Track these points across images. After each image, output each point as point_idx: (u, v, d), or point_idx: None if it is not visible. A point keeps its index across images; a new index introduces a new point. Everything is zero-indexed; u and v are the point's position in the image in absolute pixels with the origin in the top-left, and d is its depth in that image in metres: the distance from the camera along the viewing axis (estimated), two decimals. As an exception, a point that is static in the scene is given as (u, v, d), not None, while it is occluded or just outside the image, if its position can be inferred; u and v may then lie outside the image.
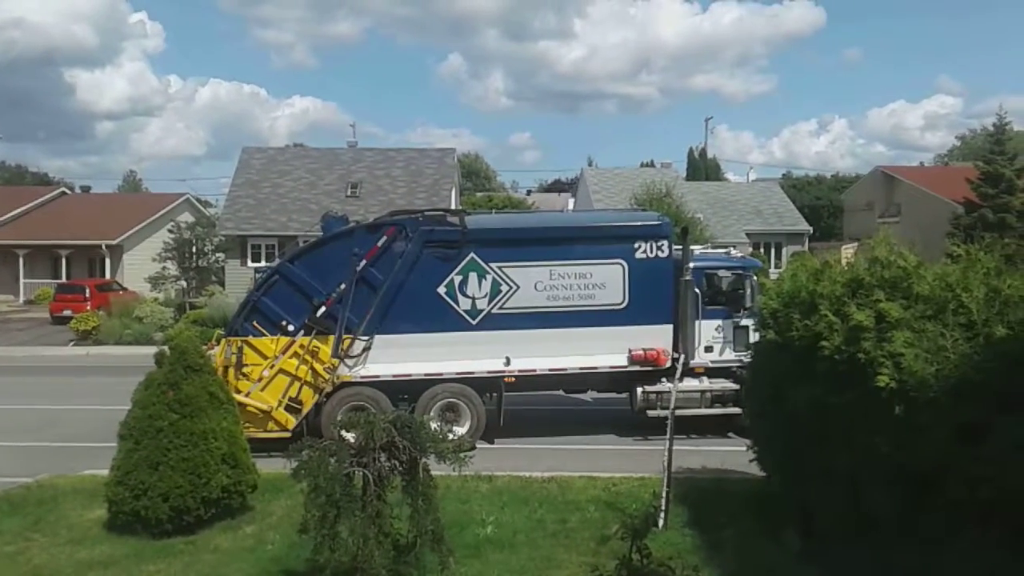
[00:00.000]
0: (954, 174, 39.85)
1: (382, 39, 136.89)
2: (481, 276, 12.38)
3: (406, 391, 12.41)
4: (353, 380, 12.18)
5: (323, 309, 12.03)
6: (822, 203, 52.90)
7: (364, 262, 12.08)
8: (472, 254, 12.39)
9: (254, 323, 12.11)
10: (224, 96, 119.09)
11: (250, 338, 12.03)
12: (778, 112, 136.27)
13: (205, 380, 8.45)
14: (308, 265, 12.25)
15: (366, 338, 12.10)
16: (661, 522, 8.13)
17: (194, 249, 34.93)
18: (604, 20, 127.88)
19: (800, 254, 29.94)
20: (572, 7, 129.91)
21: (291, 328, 12.06)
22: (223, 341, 12.12)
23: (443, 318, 12.28)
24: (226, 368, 11.72)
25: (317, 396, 12.10)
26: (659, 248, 12.60)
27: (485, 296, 12.39)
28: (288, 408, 12.00)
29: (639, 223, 13.37)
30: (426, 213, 12.91)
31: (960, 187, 33.89)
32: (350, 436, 6.53)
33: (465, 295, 12.37)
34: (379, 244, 12.22)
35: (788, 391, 7.29)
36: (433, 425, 11.40)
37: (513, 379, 12.51)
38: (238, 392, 11.57)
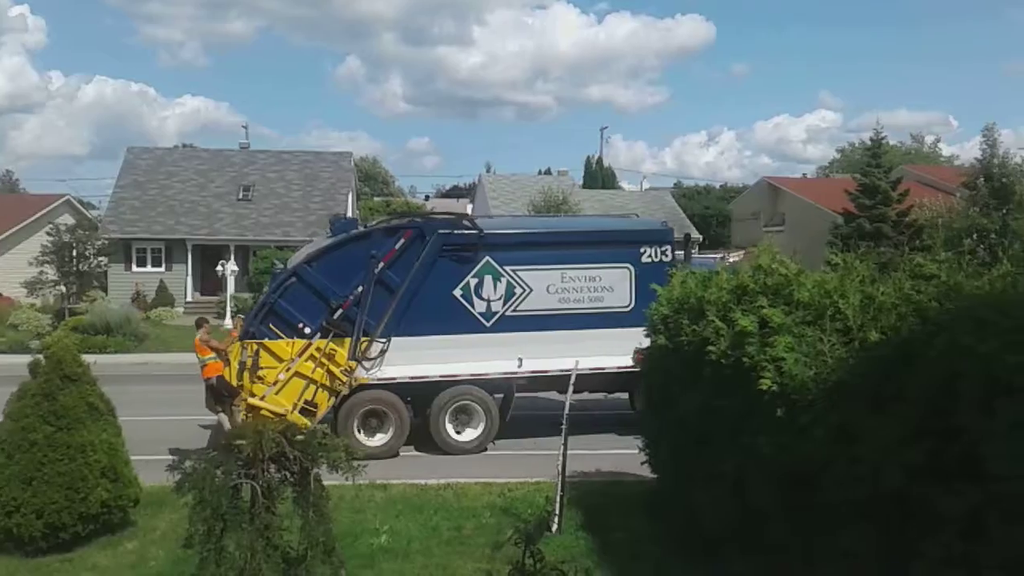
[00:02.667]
0: (834, 185, 41.81)
1: (277, 39, 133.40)
2: (496, 279, 12.51)
3: (422, 393, 12.44)
4: (370, 382, 12.13)
5: (340, 311, 11.93)
6: (711, 212, 54.53)
7: (382, 264, 12.04)
8: (487, 257, 12.50)
9: (270, 325, 11.92)
10: (110, 94, 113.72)
11: (266, 341, 11.85)
12: (670, 123, 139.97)
13: (84, 390, 8.05)
14: (325, 267, 12.15)
15: (383, 340, 12.02)
16: (555, 526, 8.21)
17: (75, 253, 33.26)
18: (502, 28, 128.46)
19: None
20: (471, 14, 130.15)
21: (307, 330, 11.92)
22: (237, 344, 11.89)
23: (459, 320, 12.32)
24: (241, 369, 11.67)
25: (333, 399, 12.04)
26: (663, 253, 12.99)
27: (499, 298, 12.52)
28: (303, 411, 11.78)
29: (645, 228, 14.08)
30: (442, 216, 13.06)
31: (840, 198, 35.55)
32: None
33: (480, 297, 12.46)
34: (397, 247, 12.18)
35: (677, 394, 7.48)
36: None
37: (525, 380, 12.66)
38: (252, 396, 11.60)
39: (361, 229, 13.04)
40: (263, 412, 11.41)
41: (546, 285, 12.61)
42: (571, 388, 10.84)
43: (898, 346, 4.63)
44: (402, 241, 12.25)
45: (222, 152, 41.51)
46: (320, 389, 11.93)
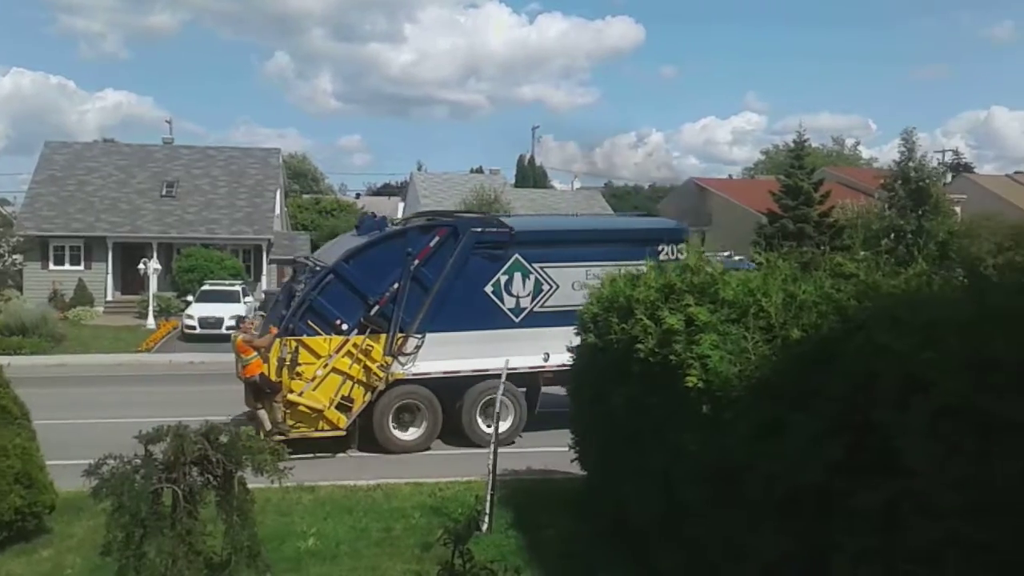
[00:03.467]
0: (759, 186, 42.80)
1: (203, 33, 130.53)
2: (525, 276, 12.86)
3: (454, 387, 12.64)
4: (406, 377, 12.40)
5: (377, 308, 12.14)
6: (640, 212, 55.24)
7: (417, 261, 12.28)
8: (517, 255, 12.80)
9: (309, 322, 12.07)
10: (27, 86, 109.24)
11: (304, 338, 11.99)
12: (601, 124, 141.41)
13: (-5, 393, 7.73)
14: (362, 265, 12.33)
15: (419, 336, 12.31)
16: (486, 525, 8.20)
17: (-12, 251, 31.98)
18: (434, 26, 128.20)
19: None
20: (402, 11, 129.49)
21: (345, 327, 12.11)
22: (277, 341, 11.92)
23: (490, 316, 12.61)
24: (280, 366, 11.83)
25: (369, 395, 12.24)
26: (678, 250, 13.04)
27: (528, 295, 12.87)
28: (339, 407, 12.02)
29: (664, 227, 14.68)
30: (475, 216, 13.73)
31: (764, 199, 36.43)
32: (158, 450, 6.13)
33: (510, 294, 12.78)
34: (431, 244, 12.46)
35: (607, 392, 7.54)
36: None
37: (551, 374, 12.74)
38: (291, 392, 11.79)
39: (396, 227, 13.34)
40: (301, 408, 11.83)
41: (571, 282, 12.81)
42: (502, 387, 10.88)
43: (818, 343, 4.75)
44: (437, 239, 12.53)
45: (145, 147, 40.29)
46: (356, 385, 12.12)
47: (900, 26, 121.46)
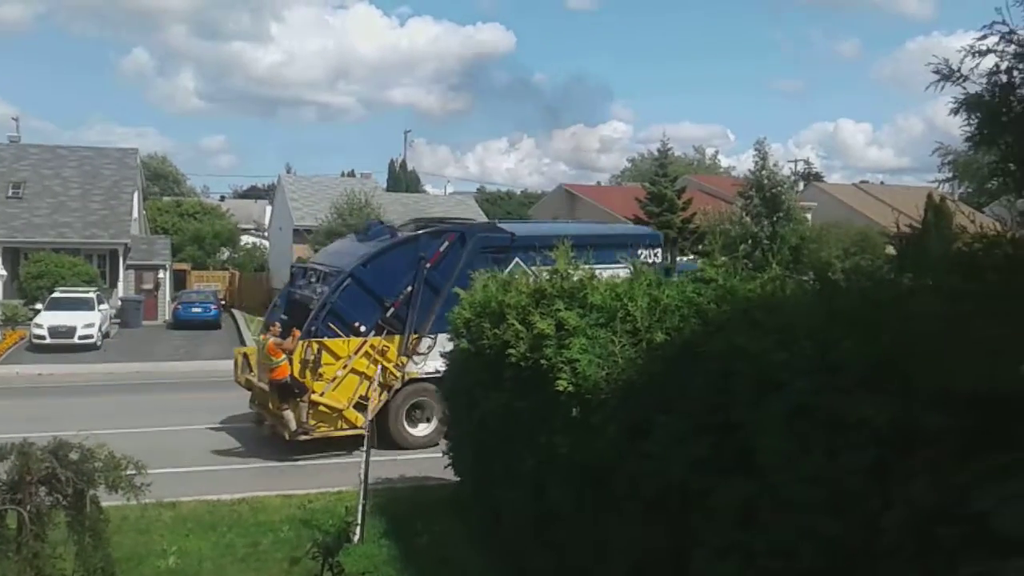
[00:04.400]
0: (626, 193, 44.06)
1: (57, 27, 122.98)
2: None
3: None
4: (419, 376, 12.98)
5: (392, 310, 12.76)
6: (513, 217, 55.84)
7: (429, 265, 12.94)
8: (517, 258, 13.01)
9: (330, 324, 12.58)
10: None
11: (325, 340, 12.48)
12: (473, 128, 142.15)
13: None
14: (378, 269, 12.95)
15: (431, 336, 12.76)
16: (357, 536, 8.07)
17: None
18: (302, 26, 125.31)
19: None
20: (268, 10, 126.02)
21: (363, 329, 12.68)
22: (301, 343, 12.33)
23: None
24: (304, 368, 12.29)
25: (385, 394, 12.62)
26: (655, 254, 14.92)
27: None
28: (357, 406, 12.37)
29: (642, 233, 16.47)
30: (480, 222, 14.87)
31: (631, 205, 37.52)
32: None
33: None
34: (441, 249, 13.15)
35: (479, 397, 7.56)
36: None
37: None
38: (313, 392, 12.29)
39: (408, 233, 13.97)
40: (321, 408, 12.38)
41: None
42: (375, 391, 10.75)
43: (681, 346, 4.91)
44: (446, 244, 13.25)
45: (-12, 145, 37.67)
46: (373, 384, 12.25)
47: (756, 41, 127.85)
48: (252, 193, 76.76)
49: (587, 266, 13.44)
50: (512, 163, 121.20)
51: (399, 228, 14.80)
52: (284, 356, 12.25)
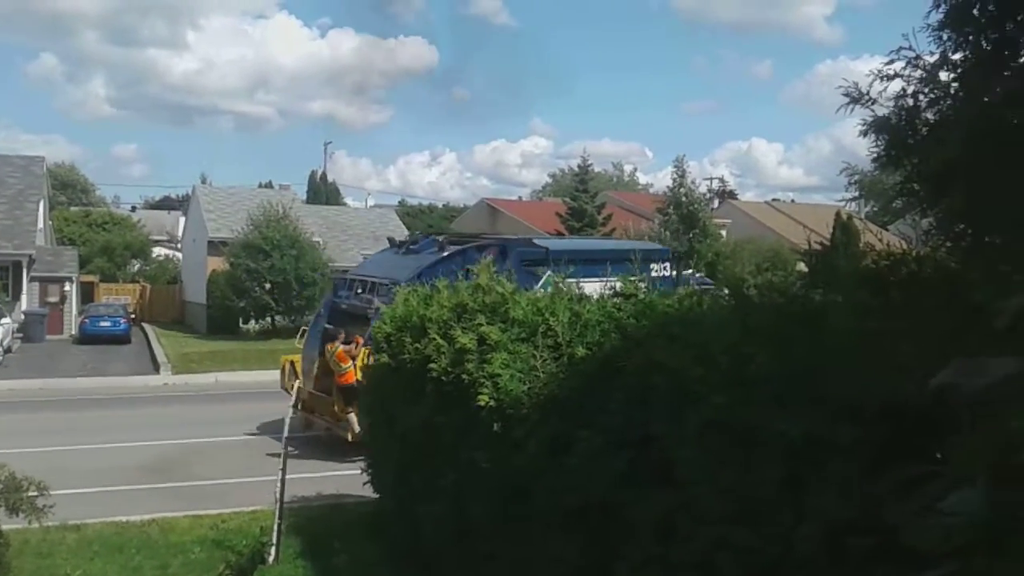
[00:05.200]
0: (547, 208, 44.47)
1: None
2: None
3: None
4: None
5: None
6: (435, 231, 55.66)
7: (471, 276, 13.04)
8: (550, 271, 13.30)
9: None
10: None
11: None
12: (394, 141, 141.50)
13: None
14: (431, 279, 12.49)
15: None
16: (272, 556, 7.86)
17: None
18: (219, 34, 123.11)
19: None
20: (184, 17, 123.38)
21: None
22: (364, 349, 12.28)
23: None
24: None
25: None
26: (665, 268, 16.17)
27: None
28: None
29: (654, 248, 17.89)
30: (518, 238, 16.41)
31: (552, 220, 37.87)
32: None
33: None
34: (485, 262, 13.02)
35: (400, 412, 7.47)
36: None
37: None
38: None
39: (456, 247, 14.98)
40: None
41: (590, 294, 14.34)
42: (292, 407, 10.53)
43: (601, 361, 4.94)
44: (490, 257, 13.39)
45: None
46: None
47: (673, 61, 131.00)
48: (165, 204, 74.74)
49: (606, 279, 15.04)
50: (434, 176, 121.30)
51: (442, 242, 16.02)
52: (351, 362, 13.11)
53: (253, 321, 33.29)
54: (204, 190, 44.73)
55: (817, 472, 3.10)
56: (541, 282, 14.00)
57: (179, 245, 51.09)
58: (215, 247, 34.21)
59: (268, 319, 32.99)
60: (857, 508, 2.72)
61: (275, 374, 24.13)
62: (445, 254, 14.36)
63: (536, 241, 16.16)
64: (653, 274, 15.29)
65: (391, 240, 18.29)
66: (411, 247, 15.43)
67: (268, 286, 31.37)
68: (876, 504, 2.44)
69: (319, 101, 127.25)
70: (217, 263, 33.53)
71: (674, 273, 17.26)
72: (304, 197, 53.98)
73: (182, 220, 50.42)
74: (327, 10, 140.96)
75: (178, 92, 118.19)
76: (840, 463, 2.97)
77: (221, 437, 14.60)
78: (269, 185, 55.13)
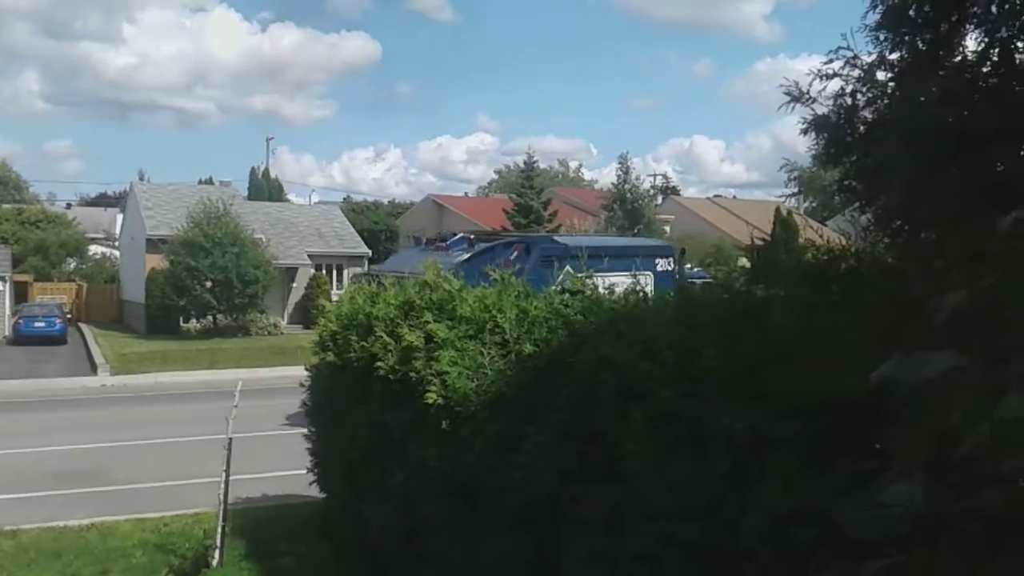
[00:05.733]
0: (493, 204, 44.50)
1: None
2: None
3: None
4: None
5: None
6: (380, 227, 55.28)
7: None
8: (568, 266, 13.95)
9: None
10: None
11: None
12: (338, 137, 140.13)
13: None
14: (468, 273, 13.42)
15: None
16: (216, 560, 7.73)
17: None
18: (156, 28, 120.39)
19: (361, 275, 31.29)
20: (120, 11, 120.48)
21: None
22: None
23: None
24: None
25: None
26: (668, 263, 16.68)
27: None
28: None
29: (659, 245, 19.35)
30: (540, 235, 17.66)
31: (499, 216, 37.91)
32: None
33: None
34: (512, 257, 14.69)
35: (347, 411, 7.40)
36: None
37: None
38: None
39: (486, 244, 16.31)
40: None
41: (604, 288, 15.21)
42: (235, 407, 10.36)
43: (549, 357, 4.96)
44: (516, 253, 15.00)
45: None
46: None
47: (616, 59, 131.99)
48: (102, 201, 72.92)
49: (613, 274, 15.88)
50: (379, 173, 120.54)
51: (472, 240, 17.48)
52: None
53: (194, 320, 32.71)
54: (142, 187, 43.71)
55: (760, 465, 3.15)
56: (561, 276, 15.18)
57: (117, 243, 49.90)
58: (154, 245, 33.49)
59: (210, 318, 32.43)
60: (800, 499, 2.77)
61: (217, 374, 23.81)
62: (477, 250, 15.67)
63: (556, 238, 17.51)
64: (658, 269, 16.24)
65: (417, 239, 19.88)
66: (440, 244, 16.78)
67: (209, 284, 30.84)
68: (820, 495, 2.49)
69: (260, 96, 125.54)
70: (156, 261, 32.82)
71: (676, 268, 17.92)
72: (246, 194, 53.02)
73: (119, 217, 49.22)
74: (268, 4, 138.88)
75: (114, 87, 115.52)
76: (783, 456, 3.02)
77: (162, 439, 14.32)
78: (210, 181, 54.14)
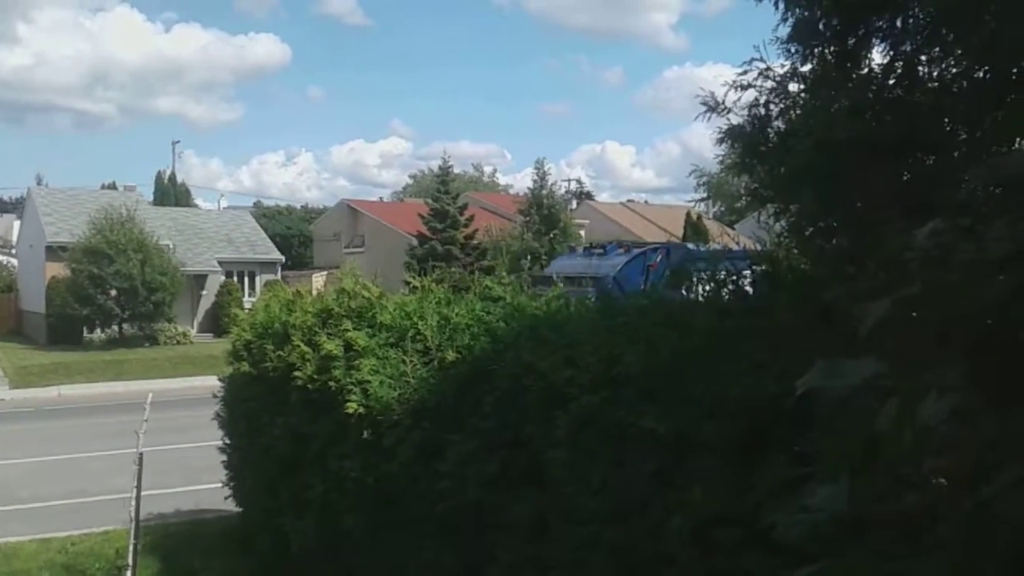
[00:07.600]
0: (409, 209, 44.21)
1: None
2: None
3: None
4: None
5: None
6: (293, 233, 54.34)
7: (650, 270, 16.83)
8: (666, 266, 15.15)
9: None
10: None
11: None
12: (247, 141, 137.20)
13: None
14: (628, 272, 16.88)
15: None
16: (128, 579, 7.46)
17: None
18: (54, 27, 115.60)
19: (274, 283, 30.54)
20: (14, 9, 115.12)
21: None
22: None
23: None
24: None
25: None
26: (747, 265, 19.08)
27: None
28: None
29: (740, 252, 21.52)
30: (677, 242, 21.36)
31: (414, 221, 37.70)
32: None
33: None
34: (657, 260, 17.38)
35: (263, 422, 7.24)
36: None
37: None
38: None
39: (639, 250, 19.08)
40: None
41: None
42: (145, 421, 10.00)
43: (472, 364, 4.96)
44: (660, 256, 17.56)
45: None
46: None
47: (529, 65, 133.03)
48: (-3, 206, 69.58)
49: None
50: (290, 177, 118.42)
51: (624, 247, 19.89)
52: None
53: (99, 330, 31.47)
54: (41, 192, 41.84)
55: (683, 467, 3.21)
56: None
57: (13, 251, 47.65)
58: (54, 252, 32.09)
59: (115, 327, 31.26)
60: (723, 502, 2.84)
61: (124, 385, 22.98)
62: (633, 254, 18.32)
63: (688, 245, 19.41)
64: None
65: (572, 247, 23.91)
66: (598, 252, 19.67)
67: (113, 292, 29.73)
68: (743, 498, 2.55)
69: (165, 98, 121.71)
70: (57, 269, 31.46)
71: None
72: (151, 198, 51.34)
73: (16, 224, 47.04)
74: (172, 4, 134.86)
75: (8, 88, 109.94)
76: (705, 458, 3.09)
77: (67, 455, 13.72)
78: (113, 186, 52.18)
